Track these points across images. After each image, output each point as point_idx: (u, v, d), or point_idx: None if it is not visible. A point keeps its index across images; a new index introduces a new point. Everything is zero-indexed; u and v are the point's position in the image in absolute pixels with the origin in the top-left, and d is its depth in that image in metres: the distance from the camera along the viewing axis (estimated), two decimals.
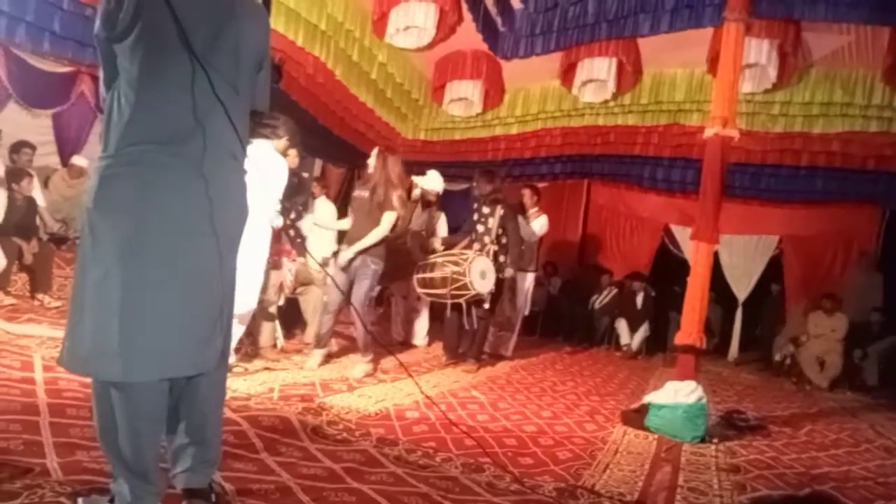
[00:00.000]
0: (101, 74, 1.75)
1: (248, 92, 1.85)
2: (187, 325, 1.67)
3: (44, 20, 5.29)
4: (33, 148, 5.76)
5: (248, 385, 3.52)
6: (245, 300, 3.80)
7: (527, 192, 6.35)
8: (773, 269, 8.63)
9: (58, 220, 6.06)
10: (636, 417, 3.97)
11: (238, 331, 3.87)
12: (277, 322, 4.70)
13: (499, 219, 5.28)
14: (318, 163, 9.43)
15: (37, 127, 6.54)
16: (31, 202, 5.51)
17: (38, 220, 5.67)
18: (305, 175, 6.40)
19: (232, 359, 3.82)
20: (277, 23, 5.35)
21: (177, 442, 1.84)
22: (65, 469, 2.01)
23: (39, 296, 5.25)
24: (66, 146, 6.81)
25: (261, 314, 4.32)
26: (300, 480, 2.26)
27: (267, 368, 4.08)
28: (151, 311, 1.61)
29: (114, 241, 1.59)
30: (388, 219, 4.34)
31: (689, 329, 4.04)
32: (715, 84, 4.36)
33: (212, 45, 1.69)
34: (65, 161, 6.63)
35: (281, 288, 4.57)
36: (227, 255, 1.77)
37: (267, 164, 3.85)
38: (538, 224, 6.25)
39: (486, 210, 5.33)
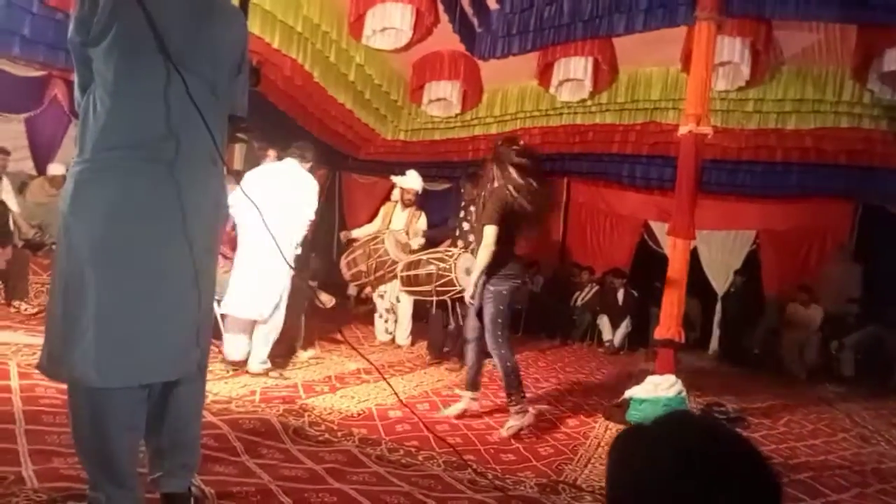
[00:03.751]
0: (75, 79, 1.73)
1: (227, 96, 1.83)
2: (163, 329, 1.66)
3: (13, 24, 5.19)
4: (7, 153, 5.66)
5: (229, 388, 3.50)
6: (270, 304, 3.92)
7: None
8: (751, 264, 8.75)
9: (33, 226, 5.96)
10: (618, 412, 4.01)
11: (271, 338, 3.97)
12: None
13: None
14: None
15: (9, 132, 6.44)
16: (1, 207, 5.41)
17: (12, 226, 5.57)
18: None
19: (267, 364, 3.95)
20: (253, 25, 5.31)
21: (155, 446, 1.83)
22: (40, 476, 1.98)
23: (15, 303, 5.15)
24: (41, 151, 6.71)
25: None
26: (281, 482, 2.25)
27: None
28: (126, 317, 1.60)
29: (88, 246, 1.58)
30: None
31: (668, 324, 4.09)
32: (688, 82, 4.42)
33: (189, 48, 1.67)
34: (40, 166, 6.52)
35: None
36: (201, 261, 1.74)
37: (300, 184, 4.34)
38: None
39: (472, 208, 5.32)
